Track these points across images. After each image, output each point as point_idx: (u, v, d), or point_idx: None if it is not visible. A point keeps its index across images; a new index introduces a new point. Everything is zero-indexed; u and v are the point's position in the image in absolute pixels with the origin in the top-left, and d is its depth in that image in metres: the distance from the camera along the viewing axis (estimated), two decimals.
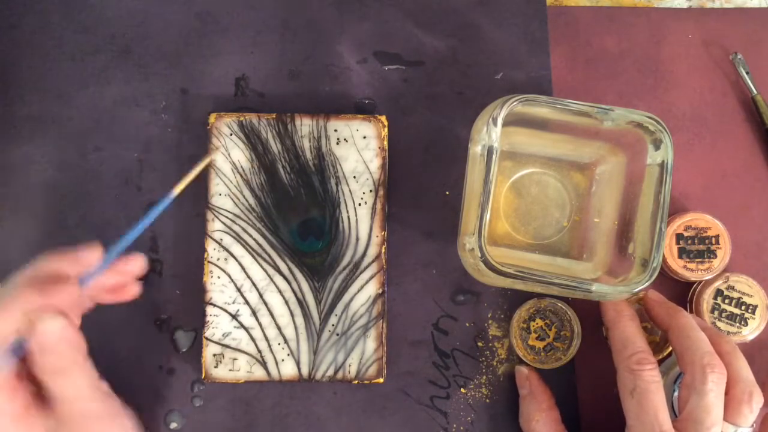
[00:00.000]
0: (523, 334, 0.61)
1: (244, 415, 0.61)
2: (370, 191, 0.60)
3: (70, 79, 0.63)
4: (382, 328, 0.59)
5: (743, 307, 0.61)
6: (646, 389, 0.51)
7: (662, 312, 0.56)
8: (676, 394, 0.58)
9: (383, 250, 0.60)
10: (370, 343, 0.59)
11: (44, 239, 0.61)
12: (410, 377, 0.61)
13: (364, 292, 0.59)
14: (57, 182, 0.62)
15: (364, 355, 0.59)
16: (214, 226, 0.59)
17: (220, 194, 0.59)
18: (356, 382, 0.59)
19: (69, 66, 0.63)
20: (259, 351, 0.59)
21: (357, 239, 0.60)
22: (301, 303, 0.59)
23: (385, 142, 0.60)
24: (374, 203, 0.60)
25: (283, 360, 0.59)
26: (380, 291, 0.59)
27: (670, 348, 0.60)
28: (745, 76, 0.63)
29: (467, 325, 0.62)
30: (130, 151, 0.62)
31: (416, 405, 0.61)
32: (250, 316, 0.59)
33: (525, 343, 0.61)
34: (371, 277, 0.59)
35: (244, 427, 0.61)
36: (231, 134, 0.60)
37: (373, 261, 0.60)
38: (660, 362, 0.62)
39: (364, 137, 0.60)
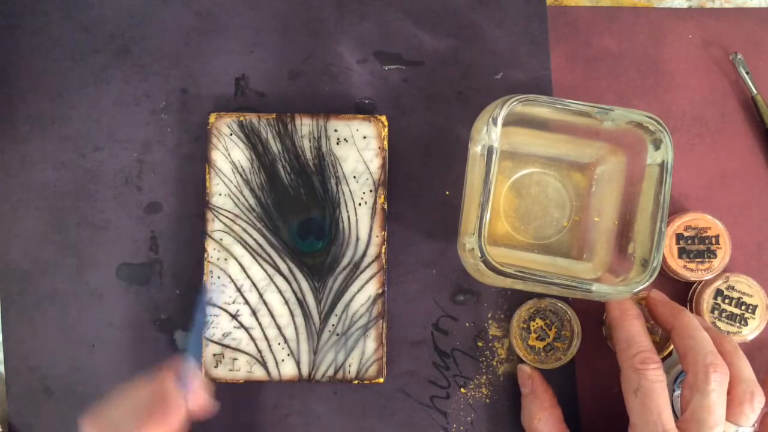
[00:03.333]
0: (523, 334, 0.61)
1: (244, 415, 0.61)
2: (370, 191, 0.60)
3: (69, 78, 0.63)
4: (382, 328, 0.59)
5: (743, 307, 0.61)
6: (650, 389, 0.51)
7: (665, 312, 0.56)
8: (676, 393, 0.58)
9: (383, 250, 0.60)
10: (370, 343, 0.59)
11: (44, 239, 0.61)
12: (410, 377, 0.61)
13: (364, 292, 0.59)
14: (57, 182, 0.62)
15: (364, 355, 0.59)
16: (214, 226, 0.59)
17: (220, 194, 0.59)
18: (356, 382, 0.59)
19: (68, 66, 0.63)
20: (259, 351, 0.59)
21: (357, 239, 0.60)
22: (301, 303, 0.59)
23: (385, 142, 0.60)
24: (374, 203, 0.60)
25: (283, 360, 0.59)
26: (380, 291, 0.59)
27: (671, 347, 0.60)
28: (745, 76, 0.63)
29: (467, 325, 0.62)
30: (129, 151, 0.62)
31: (416, 405, 0.61)
32: (250, 316, 0.59)
33: (525, 343, 0.61)
34: (371, 277, 0.59)
35: (244, 427, 0.61)
36: (231, 134, 0.60)
37: (373, 261, 0.60)
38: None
39: (364, 137, 0.60)
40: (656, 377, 0.51)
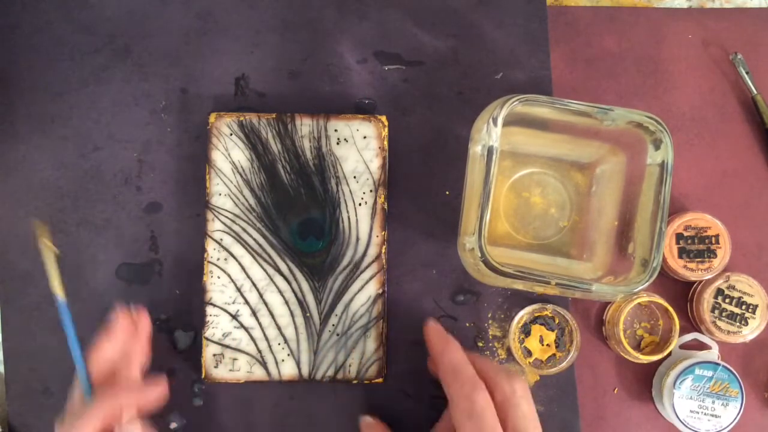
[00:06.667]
0: (522, 339, 0.61)
1: (244, 415, 0.61)
2: (371, 191, 0.60)
3: (69, 78, 0.63)
4: (382, 328, 0.59)
5: (743, 307, 0.61)
6: (483, 413, 0.51)
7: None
8: (677, 393, 0.59)
9: (383, 250, 0.60)
10: (371, 343, 0.59)
11: None
12: (410, 377, 0.61)
13: (365, 292, 0.59)
14: (56, 182, 0.62)
15: (364, 355, 0.59)
16: (214, 226, 0.59)
17: (220, 194, 0.59)
18: (356, 381, 0.59)
19: (68, 65, 0.63)
20: (259, 351, 0.59)
21: (357, 239, 0.60)
22: (302, 303, 0.59)
23: (386, 142, 0.60)
24: (374, 203, 0.60)
25: (283, 360, 0.59)
26: (380, 291, 0.59)
27: (670, 348, 0.60)
28: (745, 76, 0.63)
29: (467, 325, 0.62)
30: (129, 151, 0.62)
31: (416, 405, 0.61)
32: (250, 316, 0.59)
33: (523, 348, 0.61)
34: (371, 277, 0.59)
35: (244, 427, 0.61)
36: (231, 134, 0.60)
37: (373, 261, 0.60)
38: (660, 362, 0.62)
39: (365, 137, 0.60)
40: (486, 401, 0.51)
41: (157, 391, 0.55)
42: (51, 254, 0.54)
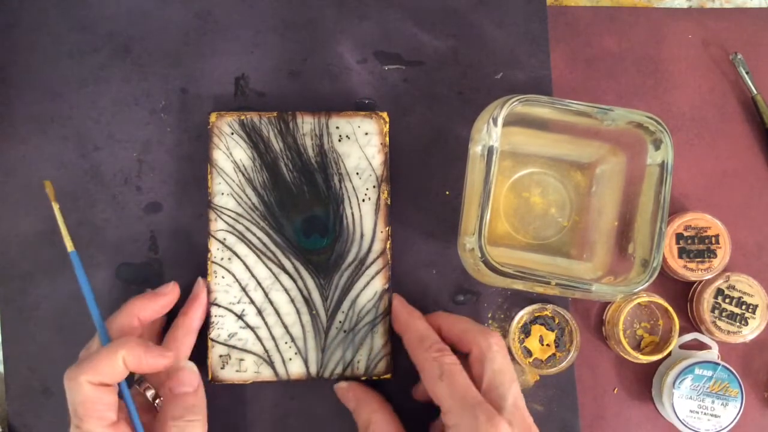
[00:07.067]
0: (522, 338, 0.61)
1: (245, 415, 0.61)
2: (374, 187, 0.60)
3: (68, 77, 0.62)
4: (389, 323, 0.59)
5: (743, 307, 0.61)
6: (451, 371, 0.52)
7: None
8: (677, 393, 0.59)
9: (388, 246, 0.60)
10: (378, 339, 0.59)
11: (44, 239, 0.61)
12: (412, 377, 0.61)
13: (371, 287, 0.59)
14: (56, 182, 0.61)
15: (372, 351, 0.59)
16: (217, 225, 0.59)
17: (222, 193, 0.59)
18: (365, 378, 0.59)
19: (67, 65, 0.62)
20: (266, 351, 0.59)
21: (361, 235, 0.59)
22: (308, 301, 0.59)
23: (387, 139, 0.60)
24: (378, 199, 0.60)
25: (290, 359, 0.59)
26: (386, 286, 0.59)
27: (670, 348, 0.61)
28: (745, 76, 0.63)
29: None
30: (129, 151, 0.62)
31: (419, 404, 0.61)
32: (256, 315, 0.59)
33: (523, 348, 0.61)
34: (377, 273, 0.59)
35: (245, 427, 0.61)
36: (232, 133, 0.60)
37: (378, 256, 0.59)
38: (660, 362, 0.62)
39: (366, 134, 0.60)
40: (453, 361, 0.53)
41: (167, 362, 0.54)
42: (60, 213, 0.55)
